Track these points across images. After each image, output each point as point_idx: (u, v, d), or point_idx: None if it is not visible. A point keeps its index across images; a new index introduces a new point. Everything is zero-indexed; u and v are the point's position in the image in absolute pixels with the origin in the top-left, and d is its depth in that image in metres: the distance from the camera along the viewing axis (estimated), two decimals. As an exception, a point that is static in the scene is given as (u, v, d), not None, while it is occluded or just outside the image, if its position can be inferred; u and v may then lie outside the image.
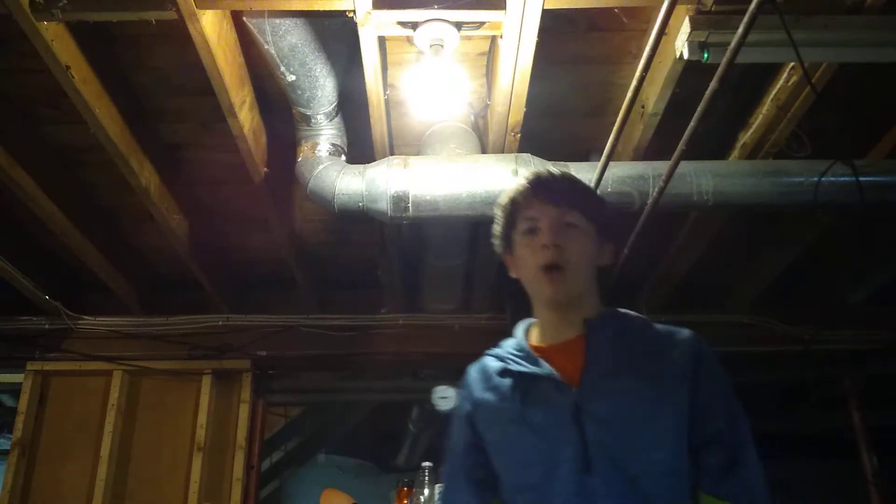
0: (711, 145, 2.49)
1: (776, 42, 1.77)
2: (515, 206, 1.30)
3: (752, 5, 1.48)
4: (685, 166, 2.20)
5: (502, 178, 2.24)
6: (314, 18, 2.00)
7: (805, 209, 2.36)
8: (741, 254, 3.30)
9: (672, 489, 1.12)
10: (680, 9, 1.85)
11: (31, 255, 3.17)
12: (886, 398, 4.09)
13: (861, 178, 2.21)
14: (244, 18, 1.98)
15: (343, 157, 2.40)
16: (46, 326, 3.36)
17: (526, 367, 1.24)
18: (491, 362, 1.31)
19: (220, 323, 3.42)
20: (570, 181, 1.36)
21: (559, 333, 1.26)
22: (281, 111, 2.43)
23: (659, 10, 1.63)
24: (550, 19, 1.91)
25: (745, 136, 2.42)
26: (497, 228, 1.34)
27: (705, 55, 1.87)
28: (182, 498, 3.20)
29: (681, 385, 1.17)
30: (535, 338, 1.30)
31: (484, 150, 2.47)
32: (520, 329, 1.33)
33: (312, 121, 2.32)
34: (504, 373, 1.26)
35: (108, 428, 3.24)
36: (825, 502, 4.99)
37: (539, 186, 1.31)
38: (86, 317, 3.39)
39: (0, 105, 2.38)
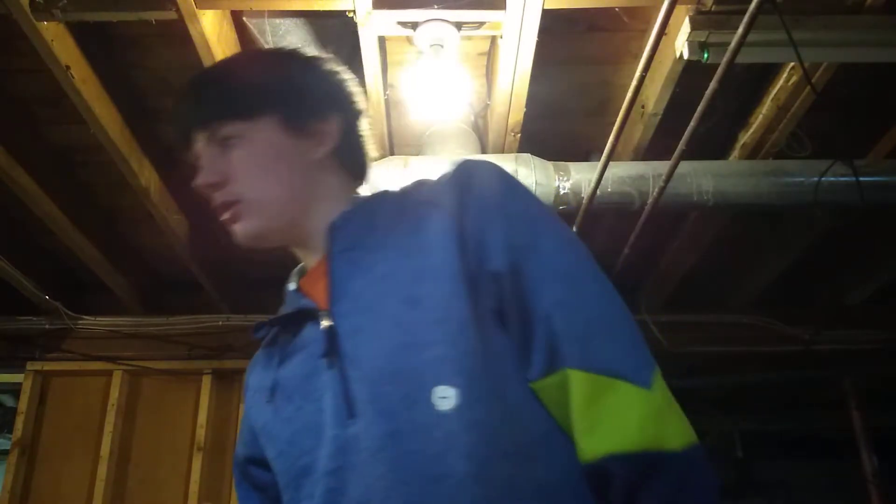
0: (711, 145, 2.49)
1: (776, 42, 1.77)
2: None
3: (752, 5, 1.48)
4: (685, 166, 2.20)
5: (502, 178, 2.23)
6: (314, 18, 2.00)
7: (805, 209, 2.36)
8: (741, 254, 3.30)
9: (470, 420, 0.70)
10: (680, 9, 1.85)
11: (31, 255, 3.17)
12: (886, 398, 4.10)
13: (861, 178, 2.21)
14: (244, 18, 1.98)
15: (343, 157, 2.40)
16: (46, 326, 3.36)
17: (284, 309, 0.89)
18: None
19: (220, 323, 3.42)
20: (214, 76, 0.92)
21: (310, 258, 0.91)
22: (281, 111, 2.43)
23: (659, 10, 1.63)
24: (550, 19, 1.91)
25: (745, 136, 2.42)
26: None
27: (705, 55, 1.87)
28: (182, 498, 3.20)
29: (451, 243, 0.76)
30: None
31: (484, 151, 2.47)
32: (295, 270, 0.96)
33: (312, 121, 2.32)
34: (271, 329, 0.92)
35: (108, 428, 3.24)
36: (825, 502, 4.99)
37: (179, 106, 0.89)
38: (86, 317, 3.38)
39: (0, 105, 2.38)
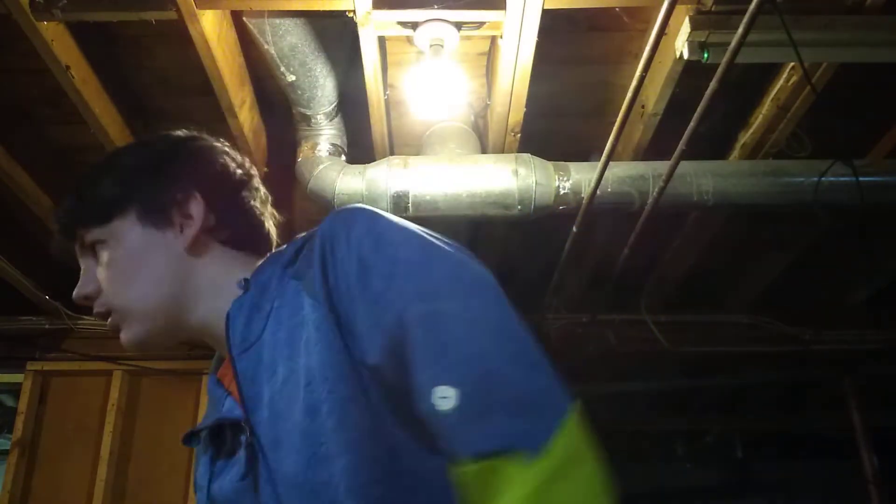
0: (711, 145, 2.49)
1: (776, 42, 1.77)
2: None
3: (752, 5, 1.48)
4: (685, 166, 2.20)
5: (502, 178, 2.24)
6: (314, 18, 2.00)
7: (805, 209, 2.36)
8: (741, 254, 3.30)
9: None
10: (680, 9, 1.85)
11: (31, 255, 3.17)
12: (886, 398, 4.10)
13: (861, 178, 2.21)
14: (244, 18, 1.98)
15: (343, 157, 2.40)
16: (46, 326, 3.36)
17: (209, 412, 0.85)
18: None
19: (220, 323, 3.42)
20: (74, 186, 0.89)
21: (220, 346, 0.86)
22: (281, 111, 2.43)
23: (659, 10, 1.63)
24: (550, 19, 1.91)
25: (745, 136, 2.42)
26: None
27: (705, 55, 1.87)
28: (182, 498, 3.20)
29: (330, 338, 0.71)
30: None
31: (484, 150, 2.47)
32: (216, 357, 0.93)
33: (312, 121, 2.32)
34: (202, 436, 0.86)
35: (108, 428, 3.24)
36: (825, 502, 4.99)
37: (52, 222, 0.90)
38: (86, 317, 3.38)
39: (0, 105, 2.38)
